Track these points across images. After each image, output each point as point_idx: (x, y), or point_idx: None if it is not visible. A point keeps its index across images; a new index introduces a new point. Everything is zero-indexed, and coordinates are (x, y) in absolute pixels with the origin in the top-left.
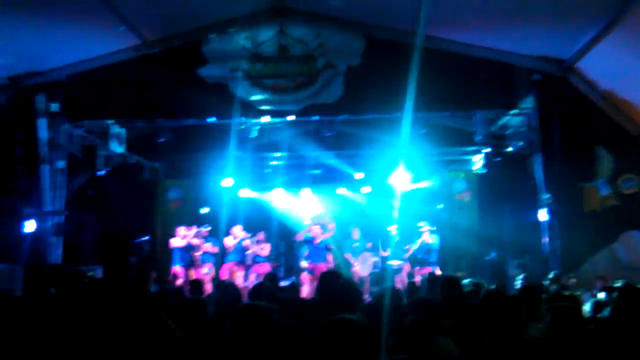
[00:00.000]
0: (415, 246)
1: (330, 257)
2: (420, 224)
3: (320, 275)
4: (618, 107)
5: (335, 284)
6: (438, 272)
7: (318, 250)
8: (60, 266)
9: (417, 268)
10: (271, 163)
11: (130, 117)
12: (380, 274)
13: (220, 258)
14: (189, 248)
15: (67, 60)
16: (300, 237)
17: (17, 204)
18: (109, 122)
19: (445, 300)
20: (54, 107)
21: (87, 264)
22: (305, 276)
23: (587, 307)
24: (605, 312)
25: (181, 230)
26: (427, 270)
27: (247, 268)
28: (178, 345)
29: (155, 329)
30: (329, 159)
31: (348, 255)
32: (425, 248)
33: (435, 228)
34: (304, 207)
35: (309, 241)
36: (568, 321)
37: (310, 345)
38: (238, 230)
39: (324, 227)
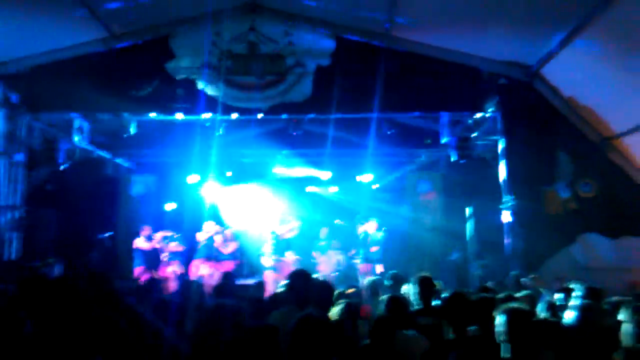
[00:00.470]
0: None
1: (290, 254)
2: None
3: (289, 274)
4: (579, 114)
5: (305, 283)
6: (380, 269)
7: (282, 245)
8: (16, 262)
9: (362, 265)
10: (238, 160)
11: (94, 110)
12: (346, 273)
13: (186, 256)
14: (154, 249)
15: (30, 51)
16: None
17: None
18: (72, 115)
19: (424, 299)
20: (14, 98)
21: (46, 260)
22: (268, 274)
23: (540, 307)
24: (565, 314)
25: (146, 229)
26: (369, 267)
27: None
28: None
29: (112, 326)
30: (297, 157)
31: (315, 254)
32: (370, 241)
33: (385, 228)
34: (268, 205)
35: (276, 236)
36: (519, 321)
37: (279, 342)
38: (211, 225)
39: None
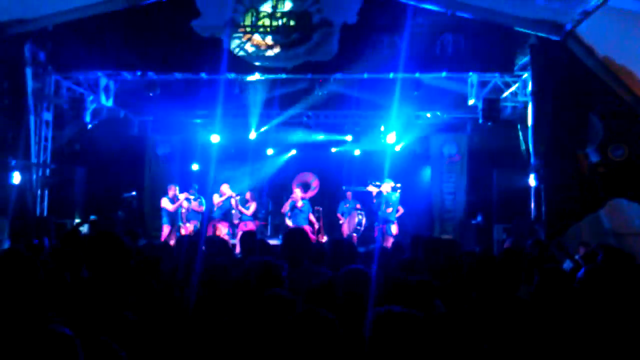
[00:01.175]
0: (373, 191)
1: (312, 216)
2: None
3: (285, 233)
4: (614, 74)
5: (300, 242)
6: (394, 229)
7: (301, 213)
8: (46, 218)
9: (378, 225)
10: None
11: (120, 69)
12: (367, 234)
13: (207, 216)
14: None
15: (56, 8)
16: (286, 208)
17: (3, 155)
18: (98, 74)
19: (442, 261)
20: (41, 56)
21: (74, 218)
22: None
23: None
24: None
25: (172, 189)
26: (383, 227)
27: (235, 226)
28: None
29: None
30: (321, 118)
31: (339, 215)
32: (384, 201)
33: (399, 185)
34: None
35: (294, 206)
36: (555, 282)
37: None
38: (226, 188)
39: (306, 186)
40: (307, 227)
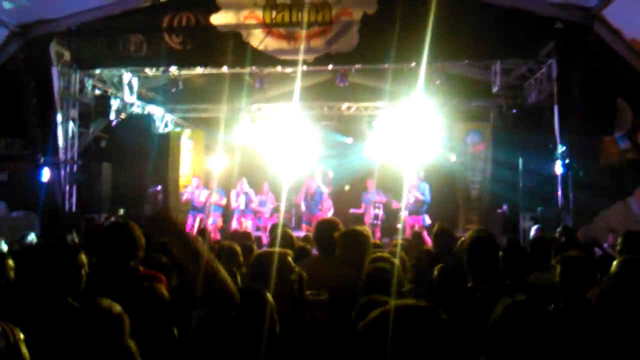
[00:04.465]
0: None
1: (325, 203)
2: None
3: (316, 224)
4: None
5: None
6: (427, 220)
7: (314, 201)
8: (75, 214)
9: (408, 218)
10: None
11: (142, 65)
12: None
13: (228, 209)
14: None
15: (80, 7)
16: (300, 199)
17: (33, 152)
18: (122, 70)
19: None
20: (66, 55)
21: (101, 213)
22: (303, 227)
23: None
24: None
25: (194, 182)
26: (418, 219)
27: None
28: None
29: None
30: (343, 110)
31: (362, 206)
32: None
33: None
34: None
35: (307, 194)
36: (579, 272)
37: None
38: (243, 183)
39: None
40: (320, 215)
